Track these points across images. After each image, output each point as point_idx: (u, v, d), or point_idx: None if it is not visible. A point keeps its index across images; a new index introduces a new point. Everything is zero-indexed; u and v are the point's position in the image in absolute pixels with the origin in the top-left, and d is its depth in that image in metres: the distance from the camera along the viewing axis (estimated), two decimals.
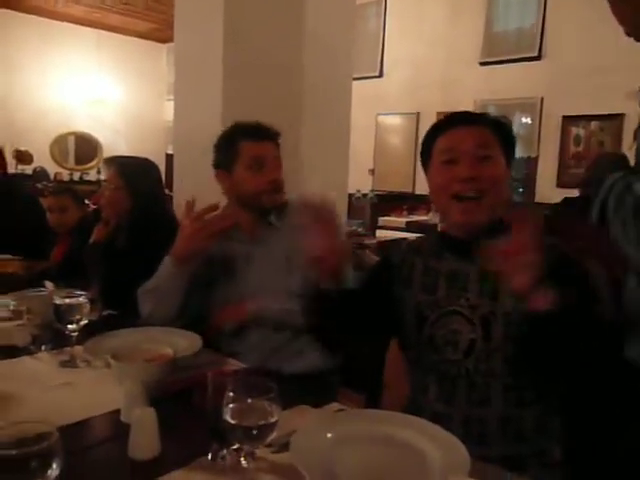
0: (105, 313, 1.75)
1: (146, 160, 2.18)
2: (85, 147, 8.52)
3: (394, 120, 7.05)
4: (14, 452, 0.66)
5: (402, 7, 6.93)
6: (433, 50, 6.60)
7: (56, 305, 1.33)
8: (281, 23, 2.84)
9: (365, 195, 5.41)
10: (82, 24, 8.06)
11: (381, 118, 7.17)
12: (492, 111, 6.11)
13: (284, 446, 0.93)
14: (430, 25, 6.65)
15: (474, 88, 6.10)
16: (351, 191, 4.45)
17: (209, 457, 0.94)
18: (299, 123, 2.89)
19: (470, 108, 5.84)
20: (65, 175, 8.15)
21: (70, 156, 8.51)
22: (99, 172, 7.79)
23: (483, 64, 6.18)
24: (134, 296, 1.72)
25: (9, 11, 7.47)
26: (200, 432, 0.95)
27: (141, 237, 1.92)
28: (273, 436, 0.83)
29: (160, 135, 8.60)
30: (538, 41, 5.70)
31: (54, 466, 0.69)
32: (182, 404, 1.07)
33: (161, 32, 8.18)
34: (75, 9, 7.53)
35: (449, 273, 1.19)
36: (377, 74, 7.12)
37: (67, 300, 1.34)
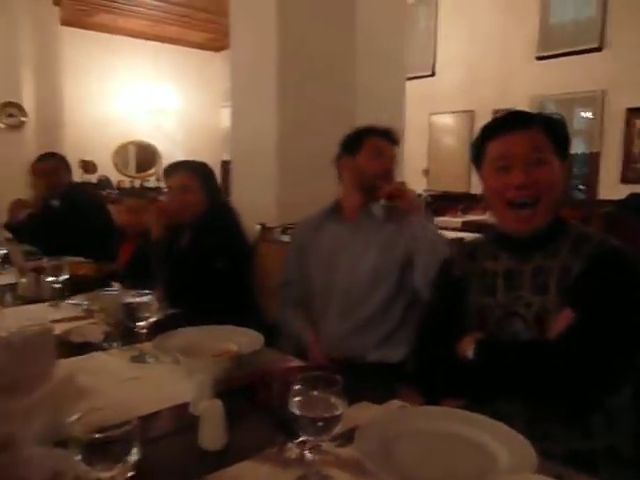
0: (169, 312, 1.81)
1: (206, 163, 2.25)
2: (144, 155, 8.87)
3: (448, 119, 6.96)
4: (98, 435, 0.69)
5: (454, 3, 6.84)
6: (487, 46, 6.47)
7: (126, 304, 1.40)
8: (333, 26, 2.87)
9: (419, 196, 5.37)
10: (142, 37, 8.41)
11: (434, 117, 7.09)
12: (550, 107, 5.93)
13: (348, 440, 0.94)
14: (483, 21, 6.53)
15: (531, 83, 5.94)
16: None
17: (275, 449, 0.97)
18: (353, 125, 2.91)
19: (526, 104, 5.68)
20: (127, 183, 8.49)
21: (131, 164, 8.88)
22: (158, 179, 8.07)
23: (540, 58, 6.01)
24: (196, 294, 1.78)
25: (75, 29, 7.88)
26: (265, 426, 0.98)
27: (208, 237, 2.00)
28: (338, 429, 0.85)
29: (216, 142, 8.81)
30: (599, 32, 5.49)
31: (134, 451, 0.72)
32: (247, 399, 1.11)
33: (216, 41, 8.43)
34: (135, 24, 7.88)
35: (506, 273, 1.18)
36: (429, 73, 7.05)
37: (137, 299, 1.40)
